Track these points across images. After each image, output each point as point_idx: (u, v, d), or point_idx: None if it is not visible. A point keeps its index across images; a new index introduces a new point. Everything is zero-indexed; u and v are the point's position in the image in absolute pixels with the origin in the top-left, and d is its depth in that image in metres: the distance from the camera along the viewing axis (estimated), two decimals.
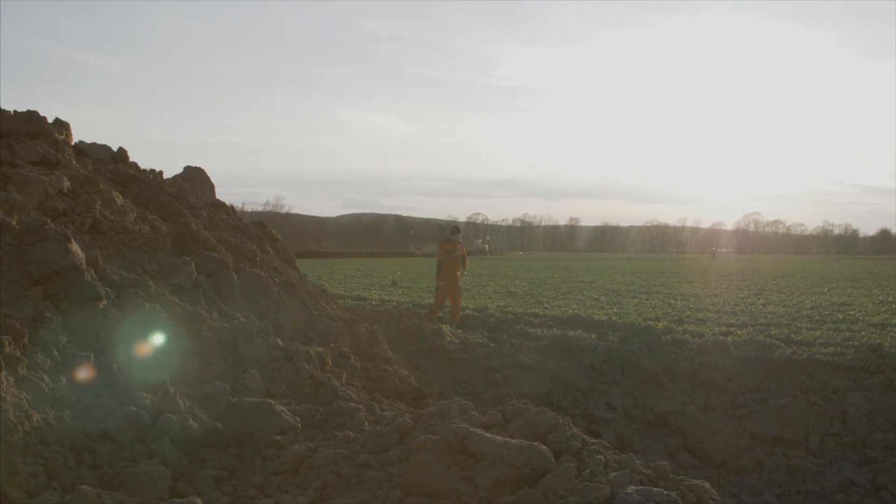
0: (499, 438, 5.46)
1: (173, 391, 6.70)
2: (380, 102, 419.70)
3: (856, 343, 14.06)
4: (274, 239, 13.78)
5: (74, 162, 10.86)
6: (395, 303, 21.09)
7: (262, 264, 11.73)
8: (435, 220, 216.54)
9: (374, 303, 20.98)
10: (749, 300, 24.45)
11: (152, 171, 13.30)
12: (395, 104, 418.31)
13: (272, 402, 6.96)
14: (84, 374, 6.33)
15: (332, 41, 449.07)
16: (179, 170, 14.91)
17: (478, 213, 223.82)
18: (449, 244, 18.11)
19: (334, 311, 11.94)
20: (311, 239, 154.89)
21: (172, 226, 10.62)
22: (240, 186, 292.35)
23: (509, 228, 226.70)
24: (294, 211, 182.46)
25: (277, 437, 6.44)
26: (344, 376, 9.02)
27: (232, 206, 14.17)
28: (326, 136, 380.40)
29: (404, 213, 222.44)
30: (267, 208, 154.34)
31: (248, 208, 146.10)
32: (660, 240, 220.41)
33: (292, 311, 10.81)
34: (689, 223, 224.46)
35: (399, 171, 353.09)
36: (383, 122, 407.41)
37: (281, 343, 8.97)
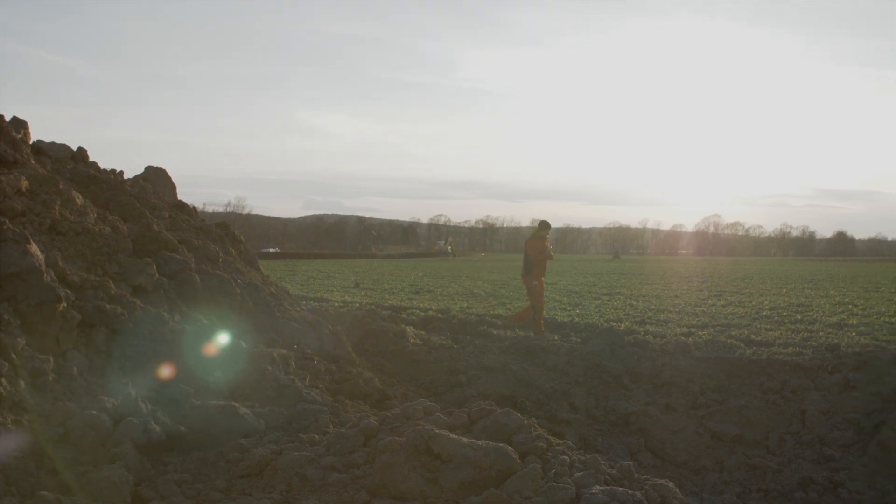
0: (464, 440, 5.45)
1: (135, 394, 6.63)
2: (342, 104, 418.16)
3: (814, 343, 14.22)
4: (236, 240, 13.68)
5: (33, 161, 10.72)
6: (357, 304, 21.03)
7: (225, 266, 11.64)
8: (397, 221, 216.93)
9: (336, 304, 20.91)
10: (710, 301, 24.63)
11: (113, 171, 13.16)
12: (357, 105, 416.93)
13: (236, 404, 6.91)
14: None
15: (295, 43, 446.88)
16: (141, 170, 14.79)
17: (440, 215, 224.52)
18: (539, 241, 16.65)
19: (297, 313, 11.87)
20: (272, 240, 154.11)
21: (133, 227, 10.51)
22: (202, 187, 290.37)
23: (472, 230, 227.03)
24: (256, 212, 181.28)
25: (241, 440, 6.39)
26: (308, 378, 8.96)
27: (194, 207, 14.06)
28: (289, 137, 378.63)
29: (366, 215, 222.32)
30: (229, 209, 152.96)
31: (210, 209, 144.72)
32: (621, 241, 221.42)
33: (255, 313, 10.74)
34: (650, 225, 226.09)
35: (361, 173, 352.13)
36: (346, 123, 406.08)
37: (244, 345, 8.91)
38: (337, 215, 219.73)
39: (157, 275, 9.45)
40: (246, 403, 7.40)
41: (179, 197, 14.59)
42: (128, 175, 13.74)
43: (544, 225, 16.83)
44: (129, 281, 9.00)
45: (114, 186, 12.05)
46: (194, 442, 6.43)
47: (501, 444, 5.47)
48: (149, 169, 14.76)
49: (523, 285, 16.83)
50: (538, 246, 16.42)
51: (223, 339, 8.72)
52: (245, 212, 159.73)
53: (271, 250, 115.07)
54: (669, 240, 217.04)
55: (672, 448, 10.89)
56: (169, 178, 14.90)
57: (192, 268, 10.27)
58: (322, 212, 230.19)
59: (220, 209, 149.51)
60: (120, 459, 5.75)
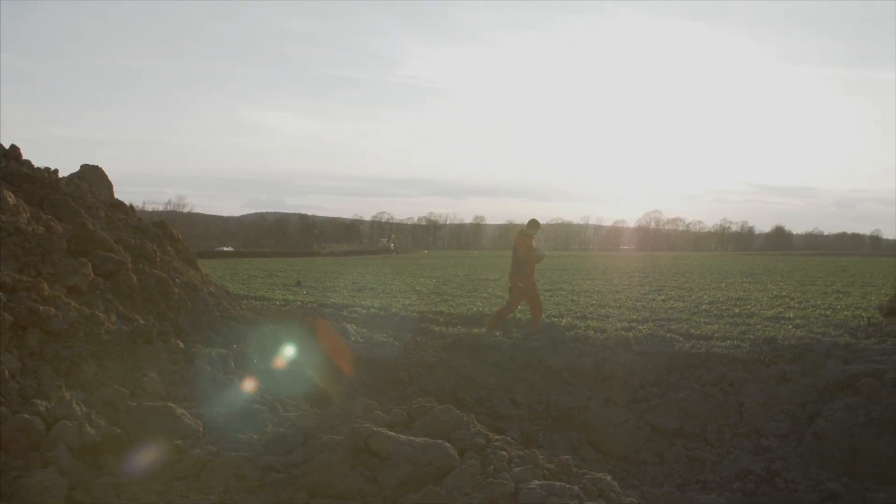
0: (403, 438, 5.44)
1: (69, 397, 6.52)
2: (285, 101, 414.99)
3: (751, 336, 14.41)
4: (174, 239, 13.53)
5: None
6: (299, 303, 20.92)
7: (163, 265, 11.51)
8: (340, 218, 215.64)
9: (278, 303, 20.77)
10: (650, 296, 24.86)
11: (47, 169, 12.93)
12: (300, 102, 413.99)
13: (172, 405, 6.83)
14: None
15: (237, 39, 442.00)
16: (76, 169, 14.54)
17: (383, 212, 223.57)
18: (528, 239, 16.20)
19: (237, 312, 11.78)
20: (213, 239, 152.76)
21: (68, 226, 10.35)
22: (141, 185, 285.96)
23: (414, 227, 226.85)
24: (197, 210, 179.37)
25: (178, 442, 6.31)
26: (247, 378, 8.90)
27: (131, 206, 13.88)
28: (231, 134, 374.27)
29: (309, 213, 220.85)
30: (169, 208, 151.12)
31: (150, 208, 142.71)
32: (563, 237, 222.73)
33: (194, 313, 10.63)
34: (593, 221, 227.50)
35: (304, 170, 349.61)
36: (289, 120, 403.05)
37: (182, 345, 8.80)
38: (279, 213, 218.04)
39: (92, 275, 9.31)
40: (183, 404, 7.32)
41: (118, 196, 14.41)
42: (63, 174, 13.52)
43: (533, 223, 16.41)
44: (63, 281, 8.86)
45: (48, 185, 11.86)
46: (130, 444, 6.34)
47: (440, 441, 5.47)
48: (84, 167, 14.54)
49: (510, 284, 16.51)
50: (527, 244, 16.10)
51: (160, 339, 8.61)
52: (185, 210, 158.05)
53: (225, 249, 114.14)
54: (611, 235, 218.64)
55: (613, 442, 10.99)
56: (105, 177, 14.69)
57: (128, 267, 10.14)
58: (264, 210, 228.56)
59: (160, 208, 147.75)
60: (53, 463, 5.65)
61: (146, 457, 6.17)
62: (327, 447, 5.40)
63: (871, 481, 9.27)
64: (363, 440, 5.37)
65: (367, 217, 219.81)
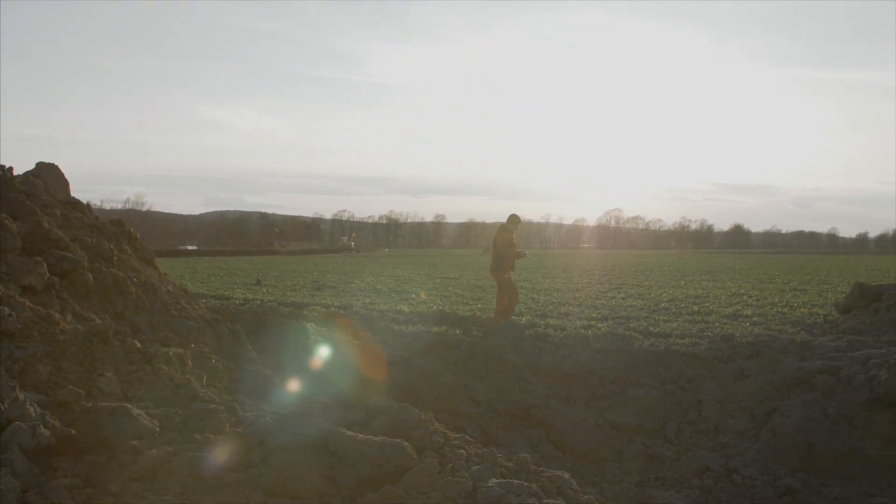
0: (361, 437, 5.43)
1: (23, 398, 6.43)
2: (245, 99, 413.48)
3: (709, 334, 14.54)
4: (132, 238, 13.39)
5: None
6: (259, 301, 20.81)
7: (120, 264, 11.39)
8: (300, 217, 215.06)
9: (237, 302, 20.65)
10: (609, 294, 25.01)
11: (1, 167, 12.76)
12: (261, 101, 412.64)
13: (129, 406, 6.75)
14: None
15: (197, 37, 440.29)
16: (32, 167, 14.35)
17: (343, 211, 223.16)
18: (508, 234, 16.36)
19: (196, 311, 11.69)
20: (173, 237, 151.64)
21: (23, 225, 10.21)
22: (99, 184, 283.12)
23: (375, 226, 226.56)
24: (156, 209, 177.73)
25: (134, 443, 6.24)
26: (205, 377, 8.83)
27: (88, 204, 13.71)
28: (192, 132, 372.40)
29: (269, 211, 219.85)
30: (127, 206, 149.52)
31: (109, 206, 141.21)
32: (524, 236, 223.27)
33: (151, 312, 10.54)
34: (553, 219, 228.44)
35: (265, 168, 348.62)
36: (249, 118, 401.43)
37: (139, 345, 8.72)
38: (239, 212, 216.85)
39: (47, 274, 9.20)
40: (140, 404, 7.25)
41: (75, 194, 14.22)
42: (18, 172, 13.34)
43: (513, 219, 16.56)
44: (17, 281, 8.74)
45: (2, 183, 11.69)
46: (85, 445, 6.27)
47: (398, 440, 5.47)
48: (40, 165, 14.35)
49: (494, 280, 16.51)
50: (507, 239, 16.23)
51: (116, 338, 8.52)
52: (144, 209, 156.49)
53: (190, 248, 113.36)
54: (572, 234, 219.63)
55: (572, 439, 11.02)
56: (62, 175, 14.51)
57: (84, 266, 10.03)
58: (224, 208, 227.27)
59: (119, 206, 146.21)
60: (6, 466, 5.57)
61: (101, 458, 6.11)
62: (286, 447, 5.38)
63: (827, 476, 9.38)
64: (321, 439, 5.35)
65: (328, 215, 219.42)
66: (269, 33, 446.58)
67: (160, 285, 11.74)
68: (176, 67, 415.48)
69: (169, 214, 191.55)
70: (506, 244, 16.14)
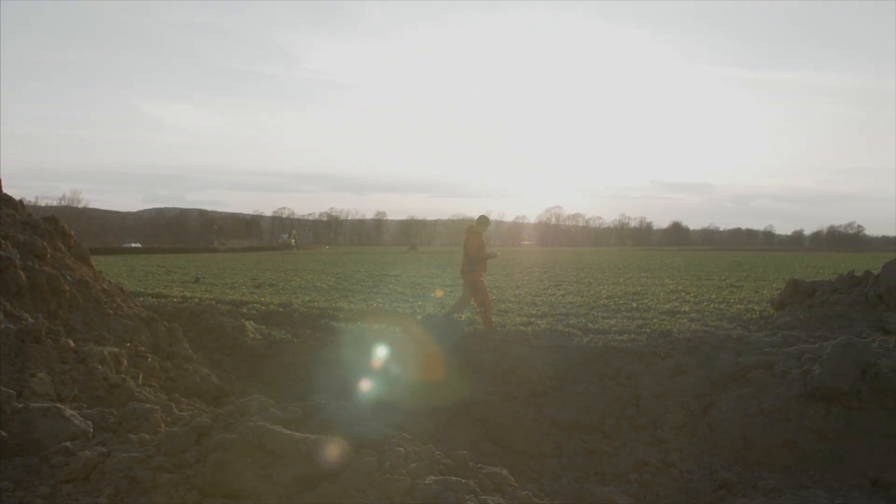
0: (298, 435, 5.40)
1: None
2: (185, 94, 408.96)
3: (648, 330, 14.66)
4: (66, 235, 13.17)
5: None
6: (197, 300, 20.60)
7: (53, 262, 11.21)
8: (240, 214, 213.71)
9: (175, 300, 20.40)
10: (549, 291, 25.16)
11: None
12: (201, 96, 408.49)
13: (61, 406, 6.65)
14: None
15: (135, 30, 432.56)
16: None
17: (284, 208, 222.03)
18: (478, 236, 15.86)
19: (131, 310, 11.54)
20: (111, 234, 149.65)
21: None
22: (34, 180, 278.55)
23: (315, 223, 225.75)
24: (93, 206, 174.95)
25: (67, 444, 6.14)
26: (141, 377, 8.73)
27: (21, 201, 13.46)
28: (130, 128, 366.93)
29: (209, 208, 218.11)
30: (63, 203, 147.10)
31: (44, 203, 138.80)
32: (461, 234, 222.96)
33: (86, 311, 10.38)
34: (494, 217, 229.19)
35: (205, 165, 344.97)
36: (189, 114, 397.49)
37: (73, 344, 8.59)
38: (178, 209, 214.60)
39: None
40: (73, 405, 7.14)
41: (7, 191, 13.94)
42: None
43: (483, 220, 16.26)
44: None
45: None
46: (16, 447, 6.16)
47: (336, 438, 5.44)
48: None
49: (464, 282, 16.27)
50: (477, 241, 15.83)
51: (49, 338, 8.39)
52: (81, 205, 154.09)
53: (133, 245, 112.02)
54: (512, 231, 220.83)
55: (512, 436, 11.05)
56: None
57: (16, 264, 9.85)
58: (163, 205, 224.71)
59: (54, 203, 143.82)
60: None
61: (33, 460, 6.01)
62: (221, 446, 5.32)
63: (762, 469, 9.50)
64: (257, 438, 5.31)
65: (268, 213, 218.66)
66: (208, 27, 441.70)
67: (95, 283, 11.57)
68: (113, 62, 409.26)
69: (107, 212, 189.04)
70: (476, 246, 15.82)
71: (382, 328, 15.26)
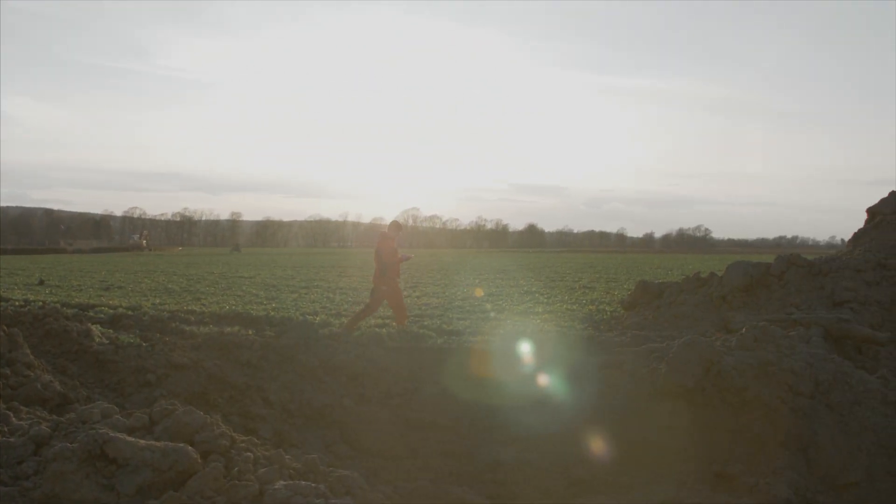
0: (142, 442, 5.24)
1: None
2: (28, 87, 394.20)
3: (501, 331, 14.86)
4: None
5: None
6: (41, 303, 19.86)
7: None
8: (89, 213, 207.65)
9: (17, 303, 19.62)
10: (405, 292, 25.19)
11: None
12: (45, 89, 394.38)
13: None
14: None
15: None
16: None
17: (135, 207, 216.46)
18: (390, 241, 16.07)
19: None
20: None
21: None
22: None
23: (168, 223, 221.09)
24: None
25: None
26: None
27: None
28: None
29: (55, 207, 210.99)
30: None
31: None
32: (322, 235, 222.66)
33: None
34: (351, 218, 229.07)
35: (51, 162, 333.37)
36: (31, 108, 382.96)
37: None
38: (22, 207, 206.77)
39: None
40: None
41: None
42: None
43: (395, 225, 16.43)
44: None
45: None
46: None
47: (182, 445, 5.31)
48: None
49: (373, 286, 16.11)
50: (390, 247, 15.93)
51: None
52: None
53: None
54: (370, 233, 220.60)
55: (367, 438, 11.02)
56: None
57: None
58: (5, 204, 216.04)
59: None
60: None
61: None
62: (60, 456, 5.12)
63: (615, 465, 9.73)
64: (99, 446, 5.13)
65: (119, 212, 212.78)
66: (53, 18, 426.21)
67: None
68: None
69: None
70: (389, 252, 15.96)
71: (234, 331, 15.02)
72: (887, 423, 9.22)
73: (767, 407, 9.16)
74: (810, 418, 9.00)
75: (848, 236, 18.25)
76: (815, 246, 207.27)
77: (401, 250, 16.31)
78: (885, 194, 18.43)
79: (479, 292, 24.92)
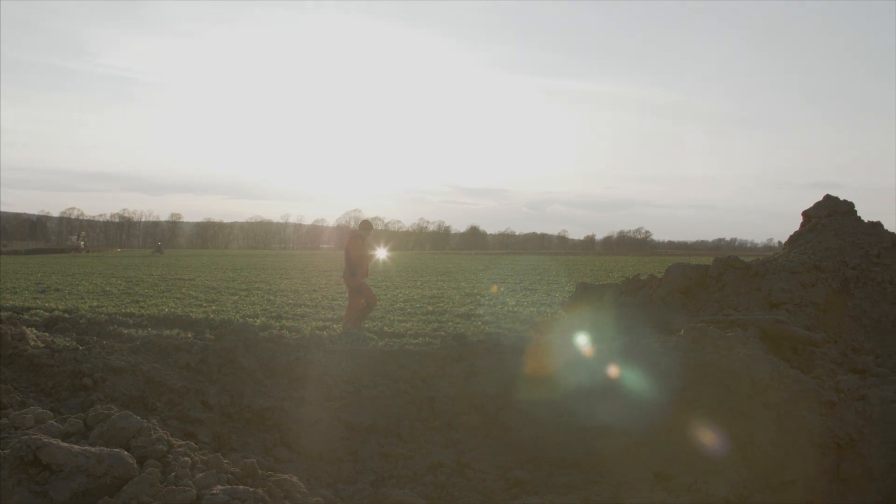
0: (77, 448, 5.16)
1: None
2: None
3: (443, 333, 14.91)
4: None
5: None
6: None
7: None
8: (24, 214, 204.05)
9: None
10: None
11: None
12: None
13: None
14: None
15: None
16: None
17: (72, 208, 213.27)
18: (360, 241, 16.13)
19: None
20: None
21: None
22: None
23: (107, 224, 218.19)
24: None
25: None
26: None
27: None
28: None
29: None
30: None
31: None
32: (263, 236, 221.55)
33: None
34: (293, 219, 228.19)
35: None
36: None
37: None
38: None
39: None
40: None
41: None
42: None
43: (365, 225, 16.39)
44: None
45: None
46: None
47: (117, 450, 5.24)
48: None
49: (346, 286, 16.08)
50: (360, 246, 15.95)
51: None
52: None
53: None
54: (311, 234, 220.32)
55: (307, 441, 10.96)
56: None
57: None
58: None
59: None
60: None
61: None
62: None
63: (554, 467, 9.79)
64: (31, 452, 5.04)
65: (56, 213, 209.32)
66: None
67: None
68: None
69: None
70: (359, 251, 16.00)
71: (174, 333, 14.86)
72: (822, 422, 9.38)
73: (706, 407, 9.27)
74: (748, 417, 9.12)
75: (785, 239, 18.55)
76: (753, 248, 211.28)
77: (370, 250, 16.31)
78: (821, 198, 18.74)
79: (494, 288, 25.12)
